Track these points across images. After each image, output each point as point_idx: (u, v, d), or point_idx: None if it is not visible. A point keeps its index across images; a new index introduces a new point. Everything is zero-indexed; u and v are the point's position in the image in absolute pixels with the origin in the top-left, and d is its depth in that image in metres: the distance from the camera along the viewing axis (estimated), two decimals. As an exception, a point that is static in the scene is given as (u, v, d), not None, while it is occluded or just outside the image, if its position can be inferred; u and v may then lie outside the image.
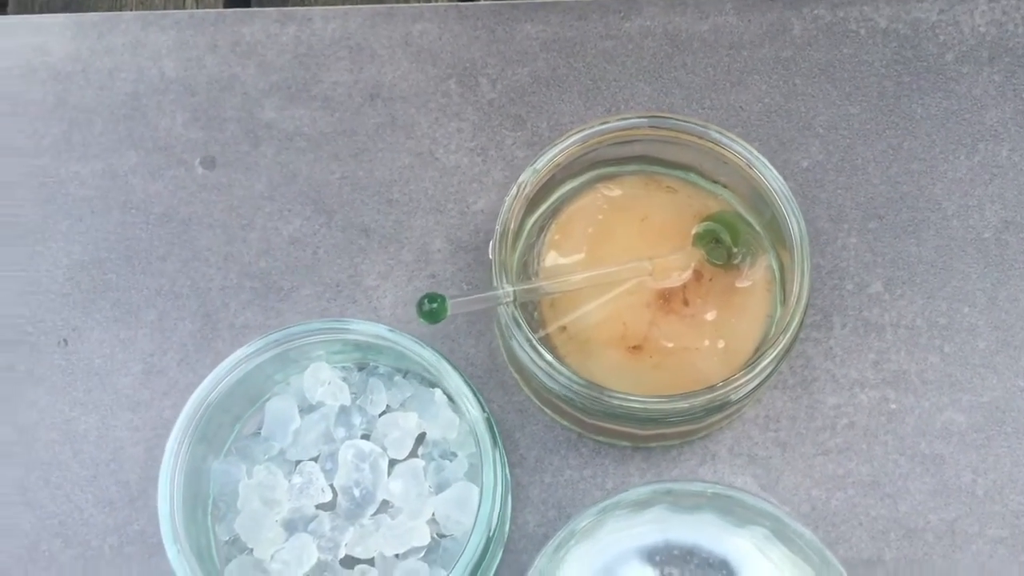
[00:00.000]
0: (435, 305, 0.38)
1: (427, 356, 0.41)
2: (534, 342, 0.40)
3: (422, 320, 0.39)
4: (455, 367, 0.41)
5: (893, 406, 0.46)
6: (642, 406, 0.40)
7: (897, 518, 0.44)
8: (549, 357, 0.40)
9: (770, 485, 0.45)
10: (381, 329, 0.41)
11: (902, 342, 0.46)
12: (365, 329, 0.41)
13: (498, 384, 0.47)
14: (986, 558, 0.44)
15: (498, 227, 0.42)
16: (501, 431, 0.46)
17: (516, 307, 0.41)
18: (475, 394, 0.41)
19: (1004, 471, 0.45)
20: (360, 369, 0.45)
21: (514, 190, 0.43)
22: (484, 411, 0.41)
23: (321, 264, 0.49)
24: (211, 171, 0.50)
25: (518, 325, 0.41)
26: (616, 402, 0.40)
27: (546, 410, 0.46)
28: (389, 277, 0.48)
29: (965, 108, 0.49)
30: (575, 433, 0.46)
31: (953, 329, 0.47)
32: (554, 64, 0.51)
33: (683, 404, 0.41)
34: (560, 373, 0.40)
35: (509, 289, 0.40)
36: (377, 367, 0.45)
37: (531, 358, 0.41)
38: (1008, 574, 0.44)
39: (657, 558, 0.41)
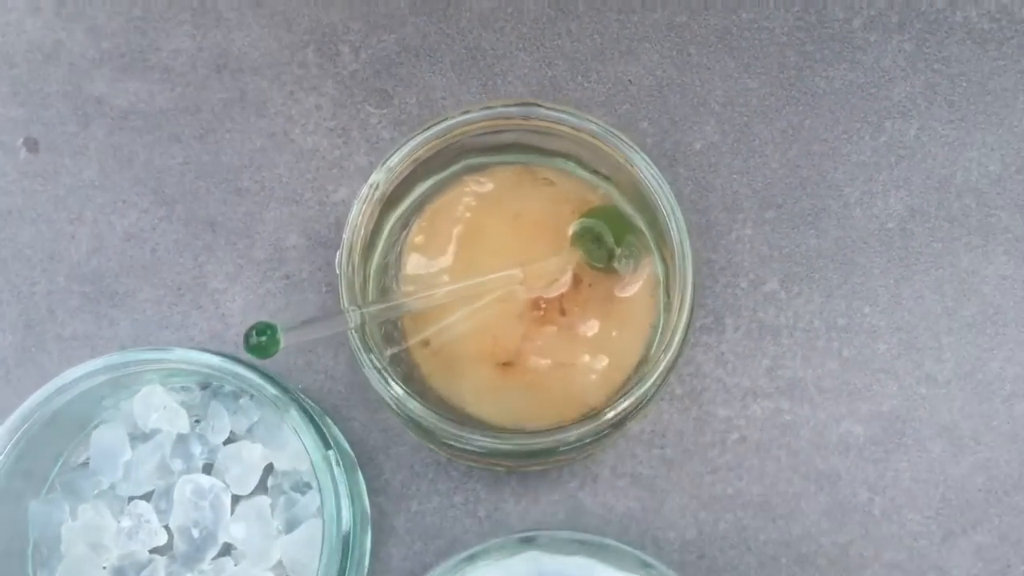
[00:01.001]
0: (264, 338, 0.33)
1: (268, 390, 0.36)
2: (383, 373, 0.36)
3: (250, 355, 0.34)
4: (297, 400, 0.37)
5: (787, 417, 0.42)
6: (511, 446, 0.36)
7: (789, 542, 0.41)
8: (398, 390, 0.36)
9: (655, 507, 0.42)
10: (210, 359, 0.36)
11: (799, 346, 0.43)
12: (191, 359, 0.36)
13: (360, 400, 0.42)
14: (880, 579, 0.41)
15: (345, 238, 0.37)
16: (363, 455, 0.42)
17: (364, 332, 0.36)
18: (319, 430, 0.36)
19: (903, 488, 0.42)
20: (203, 388, 0.41)
21: (364, 193, 0.37)
22: (329, 447, 0.36)
23: (161, 264, 0.43)
24: (34, 155, 0.44)
25: (367, 350, 0.36)
26: (482, 441, 0.36)
27: (411, 431, 0.41)
28: (239, 278, 0.43)
29: (872, 81, 0.45)
30: (443, 456, 0.42)
31: (852, 331, 0.43)
32: (424, 30, 0.45)
33: (557, 438, 0.36)
34: (413, 411, 0.36)
35: (356, 312, 0.36)
36: (222, 386, 0.40)
37: (384, 388, 0.36)
38: (903, 593, 0.41)
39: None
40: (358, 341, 0.36)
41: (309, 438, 0.36)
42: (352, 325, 0.35)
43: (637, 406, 0.37)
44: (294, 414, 0.36)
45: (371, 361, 0.36)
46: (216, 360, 0.36)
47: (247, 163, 0.44)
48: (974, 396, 0.42)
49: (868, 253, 0.44)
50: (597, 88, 0.45)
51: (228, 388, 0.40)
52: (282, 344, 0.34)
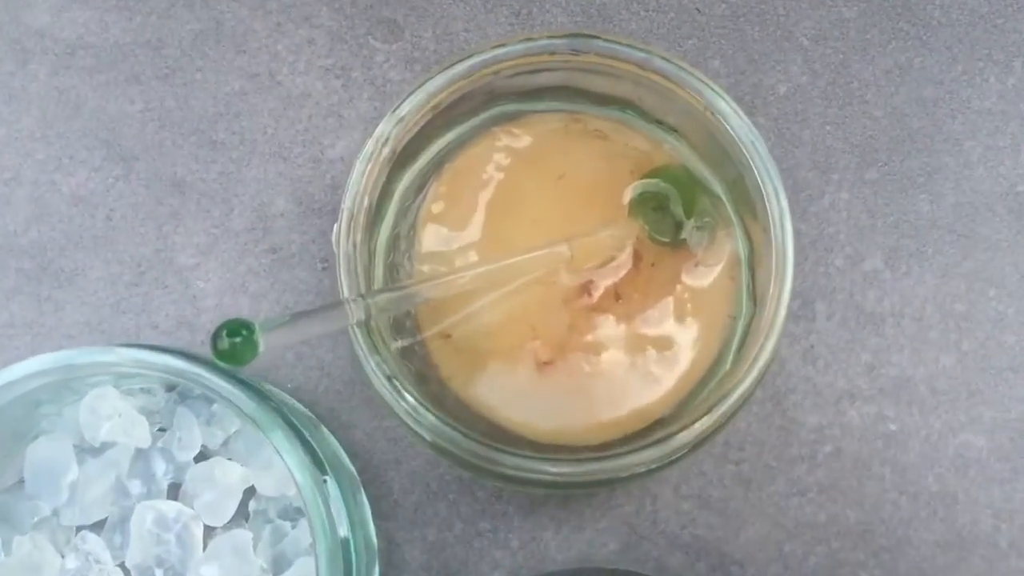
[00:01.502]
0: (237, 341, 0.25)
1: (246, 403, 0.28)
2: (394, 382, 0.28)
3: (220, 362, 0.25)
4: (282, 415, 0.28)
5: (893, 427, 0.34)
6: (553, 475, 0.28)
7: (896, 582, 0.33)
8: (412, 402, 0.28)
9: (729, 537, 0.34)
10: (170, 362, 0.28)
11: (907, 338, 0.35)
12: (146, 361, 0.28)
13: (364, 402, 0.34)
14: (1007, 626, 0.33)
15: (344, 207, 0.29)
16: (367, 470, 0.34)
17: (369, 328, 0.28)
18: (310, 452, 0.28)
19: (1036, 514, 0.34)
20: (169, 389, 0.33)
21: (369, 149, 0.29)
22: (324, 473, 0.29)
23: (117, 234, 0.35)
24: (-38, 99, 0.36)
25: (373, 350, 0.28)
26: (519, 468, 0.28)
27: (429, 449, 0.33)
28: (213, 252, 0.35)
29: (997, 10, 0.36)
30: (469, 473, 0.34)
31: (974, 319, 0.35)
32: (442, -55, 0.37)
33: (616, 464, 0.28)
34: (433, 429, 0.28)
35: (359, 303, 0.27)
36: (191, 388, 0.32)
37: (395, 399, 0.28)
38: (1033, 643, 0.33)
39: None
40: (361, 340, 0.28)
41: (296, 462, 0.27)
42: (353, 320, 0.27)
43: (720, 425, 0.29)
44: (279, 435, 0.27)
45: (378, 366, 0.28)
46: (179, 363, 0.28)
47: (223, 110, 0.36)
48: None
49: (994, 223, 0.35)
50: (656, 18, 0.36)
51: (199, 390, 0.32)
52: (261, 348, 0.26)
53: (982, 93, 0.36)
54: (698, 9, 0.36)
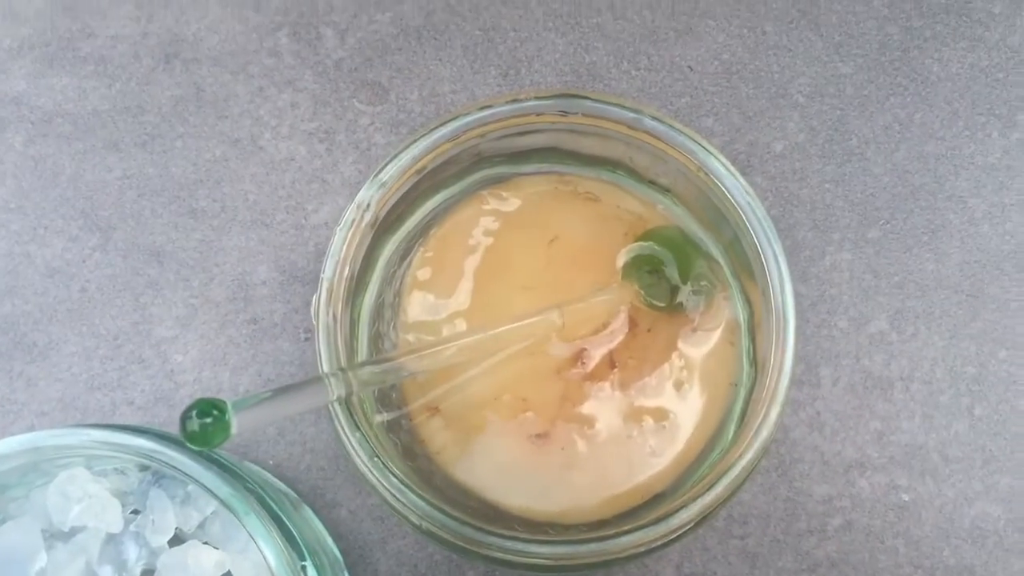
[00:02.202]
0: (208, 421, 0.23)
1: (219, 488, 0.27)
2: (377, 460, 0.26)
3: (190, 445, 0.24)
4: (260, 498, 0.27)
5: (905, 497, 0.33)
6: (548, 557, 0.26)
7: (914, 664, 0.31)
8: (398, 484, 0.26)
9: (735, 617, 0.32)
10: (141, 444, 0.27)
11: (917, 403, 0.33)
12: (113, 442, 0.27)
13: (348, 479, 0.33)
14: None
15: (324, 276, 0.27)
16: (352, 550, 0.32)
17: (350, 404, 0.27)
18: (288, 538, 0.27)
19: (1060, 589, 0.32)
20: (143, 469, 0.31)
21: (350, 216, 0.28)
22: (303, 559, 0.27)
23: (93, 306, 0.34)
24: (-64, 169, 0.35)
25: (355, 428, 0.26)
26: (507, 555, 0.26)
27: (414, 532, 0.32)
28: (192, 324, 0.34)
29: (998, 64, 0.35)
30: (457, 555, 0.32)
31: (986, 382, 0.33)
32: (428, 6, 0.36)
33: (616, 543, 0.27)
34: (419, 510, 0.26)
35: (340, 378, 0.26)
36: (164, 468, 0.31)
37: (375, 477, 0.27)
38: None
39: None
40: (341, 417, 0.26)
41: (273, 549, 0.26)
42: (333, 397, 0.26)
43: (723, 500, 0.27)
44: (253, 520, 0.26)
45: (359, 443, 0.26)
46: (150, 444, 0.27)
47: (203, 177, 0.35)
48: None
49: (1002, 281, 0.34)
50: (648, 77, 0.36)
51: (172, 471, 0.30)
52: (234, 430, 0.24)
53: (985, 148, 0.35)
54: (690, 67, 0.35)
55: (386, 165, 0.28)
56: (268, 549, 0.26)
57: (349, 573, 0.31)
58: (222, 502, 0.26)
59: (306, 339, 0.34)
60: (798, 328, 0.33)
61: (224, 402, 0.24)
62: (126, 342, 0.34)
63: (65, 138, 0.35)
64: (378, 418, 0.30)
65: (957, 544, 0.32)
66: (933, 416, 0.33)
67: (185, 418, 0.24)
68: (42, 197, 0.34)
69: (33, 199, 0.35)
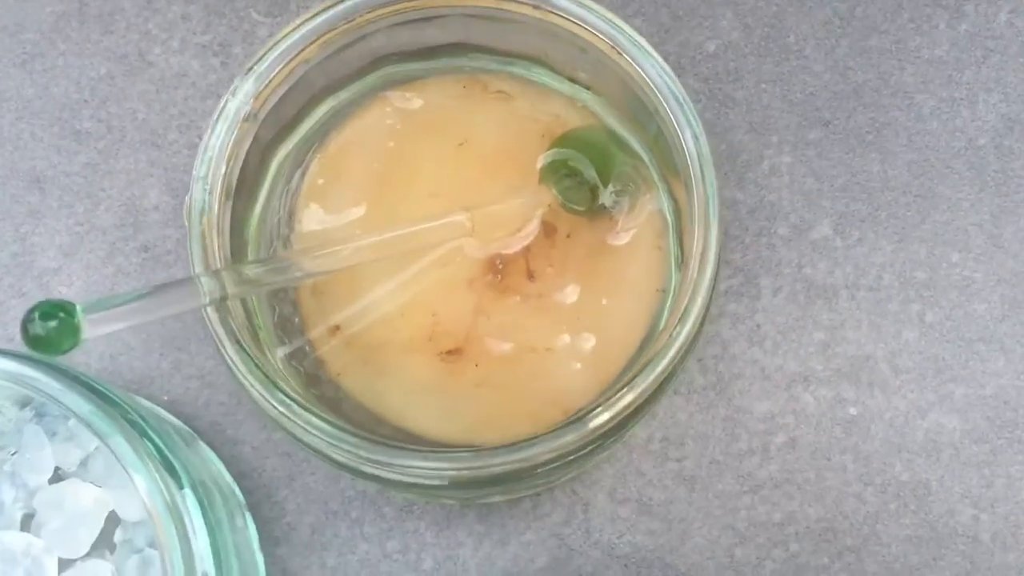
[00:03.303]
0: (53, 324, 0.21)
1: (79, 406, 0.24)
2: (263, 369, 0.24)
3: (35, 351, 0.21)
4: (127, 414, 0.24)
5: (853, 411, 0.30)
6: (460, 471, 0.24)
7: (866, 587, 0.29)
8: (285, 400, 0.24)
9: (673, 544, 0.30)
10: (-6, 363, 0.24)
11: (864, 312, 0.31)
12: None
13: (250, 414, 0.30)
14: (997, 633, 0.29)
15: (197, 174, 0.25)
16: (256, 488, 0.29)
17: (226, 309, 0.24)
18: (164, 461, 0.24)
19: (1021, 500, 0.30)
20: (23, 407, 0.28)
21: (222, 106, 0.25)
22: (181, 486, 0.24)
23: (-29, 237, 0.31)
24: None
25: (232, 341, 0.24)
26: (421, 469, 0.24)
27: (321, 461, 0.29)
28: (77, 253, 0.31)
29: (942, -48, 0.33)
30: (372, 487, 0.30)
31: (938, 287, 0.31)
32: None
33: (526, 454, 0.24)
34: (313, 427, 0.24)
35: (214, 279, 0.23)
36: (44, 404, 0.28)
37: (264, 396, 0.24)
38: (1028, 652, 0.29)
39: None
40: (218, 325, 0.24)
41: (143, 474, 0.23)
42: (207, 300, 0.23)
43: (641, 404, 0.24)
44: (118, 440, 0.23)
45: (237, 354, 0.24)
46: (5, 362, 0.24)
47: (88, 96, 0.32)
48: (1113, 370, 0.30)
49: (953, 180, 0.32)
50: (568, -25, 0.33)
51: (53, 409, 0.28)
52: (85, 334, 0.21)
53: (932, 41, 0.33)
54: (613, -38, 0.33)
55: (265, 54, 0.26)
56: (137, 473, 0.23)
57: (252, 513, 0.29)
58: (80, 419, 0.23)
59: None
60: (736, 236, 0.31)
61: (72, 304, 0.21)
62: (5, 274, 0.31)
63: (-64, 59, 0.32)
64: (280, 351, 0.28)
65: (910, 459, 0.30)
66: (881, 325, 0.31)
67: (27, 321, 0.21)
68: (-88, 122, 0.32)
69: (-98, 125, 0.32)
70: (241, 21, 0.33)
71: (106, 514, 0.27)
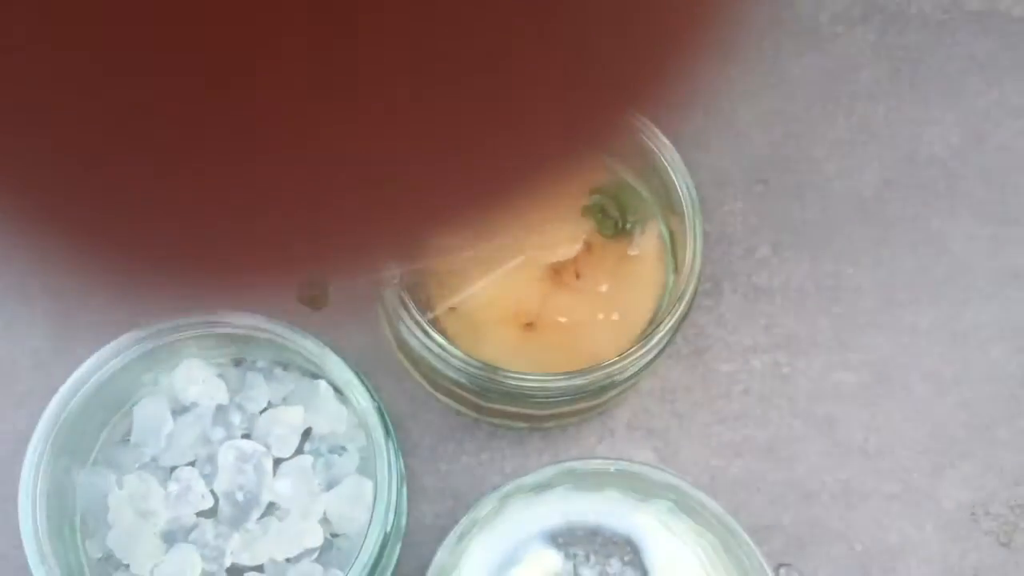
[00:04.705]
0: (316, 291, 0.36)
1: (309, 346, 0.38)
2: (424, 324, 0.38)
3: (306, 306, 0.36)
4: (339, 355, 0.39)
5: (786, 370, 0.46)
6: (539, 385, 0.39)
7: (794, 481, 0.44)
8: (440, 339, 0.38)
9: (670, 457, 0.44)
10: (257, 320, 0.38)
11: (792, 305, 0.46)
12: (239, 321, 0.38)
13: (386, 372, 0.44)
14: (880, 515, 0.44)
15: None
16: (393, 420, 0.44)
17: (403, 288, 0.39)
18: (363, 382, 0.39)
19: (894, 427, 0.45)
20: (237, 365, 0.42)
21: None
22: (374, 399, 0.39)
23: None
24: None
25: (406, 307, 0.39)
26: (512, 382, 0.38)
27: (439, 396, 0.44)
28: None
29: (841, 67, 0.49)
30: (470, 418, 0.44)
31: (839, 290, 0.47)
32: None
33: (580, 381, 0.39)
34: (453, 356, 0.39)
35: (395, 269, 0.38)
36: (255, 361, 0.42)
37: (421, 342, 0.39)
38: (901, 528, 0.44)
39: (561, 540, 0.40)
40: (397, 298, 0.39)
41: (357, 389, 0.38)
42: (393, 280, 0.38)
43: (648, 361, 0.39)
44: (340, 367, 0.38)
45: (412, 316, 0.38)
46: (262, 321, 0.38)
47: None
48: (952, 343, 0.46)
49: (849, 220, 0.48)
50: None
51: (261, 363, 0.42)
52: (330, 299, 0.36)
53: (834, 128, 0.49)
54: (622, 72, 0.49)
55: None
56: (355, 384, 0.38)
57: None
58: (317, 356, 0.38)
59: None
60: (705, 253, 0.46)
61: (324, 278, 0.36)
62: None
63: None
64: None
65: (823, 401, 0.45)
66: (803, 314, 0.46)
67: (299, 288, 0.36)
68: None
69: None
70: None
71: (303, 429, 0.41)
